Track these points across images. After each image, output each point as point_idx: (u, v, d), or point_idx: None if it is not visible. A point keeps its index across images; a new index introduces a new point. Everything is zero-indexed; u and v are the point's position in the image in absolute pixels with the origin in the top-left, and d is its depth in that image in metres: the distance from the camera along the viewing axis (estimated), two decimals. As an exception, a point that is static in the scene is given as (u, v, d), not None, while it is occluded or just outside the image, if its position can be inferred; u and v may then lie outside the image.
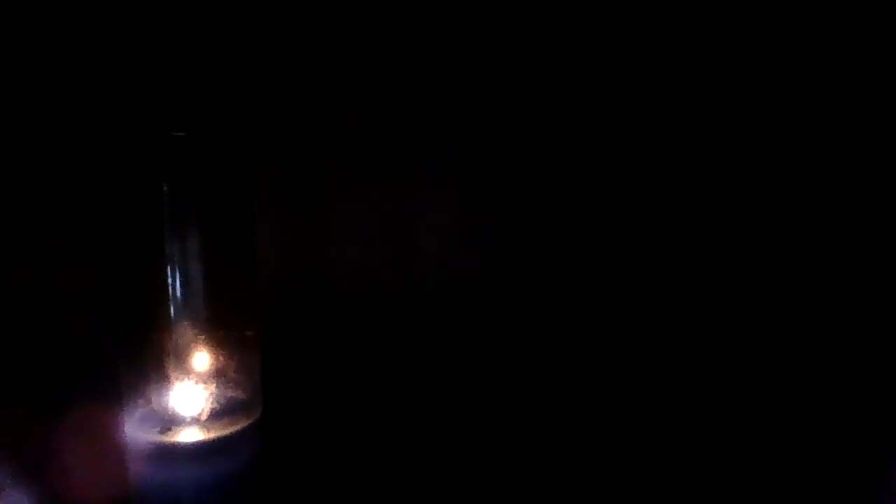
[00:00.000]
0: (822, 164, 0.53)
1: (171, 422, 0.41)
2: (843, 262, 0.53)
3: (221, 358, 0.43)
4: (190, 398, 0.42)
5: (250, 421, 0.42)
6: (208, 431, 0.40)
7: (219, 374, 0.43)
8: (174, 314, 0.41)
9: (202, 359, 0.43)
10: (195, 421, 0.41)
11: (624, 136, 0.56)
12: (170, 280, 0.41)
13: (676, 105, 0.55)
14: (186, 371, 0.42)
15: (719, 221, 0.55)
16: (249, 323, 0.44)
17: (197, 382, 0.42)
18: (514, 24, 0.56)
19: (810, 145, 0.53)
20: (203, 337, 0.42)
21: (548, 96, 0.57)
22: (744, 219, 0.55)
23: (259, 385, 0.44)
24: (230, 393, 0.43)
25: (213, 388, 0.43)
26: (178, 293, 0.41)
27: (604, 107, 0.56)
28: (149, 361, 0.42)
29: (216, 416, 0.42)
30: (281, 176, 0.54)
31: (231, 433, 0.40)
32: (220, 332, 0.43)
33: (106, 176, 0.40)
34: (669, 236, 0.56)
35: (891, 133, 0.51)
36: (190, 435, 0.40)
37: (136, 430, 0.40)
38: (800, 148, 0.53)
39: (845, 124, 0.52)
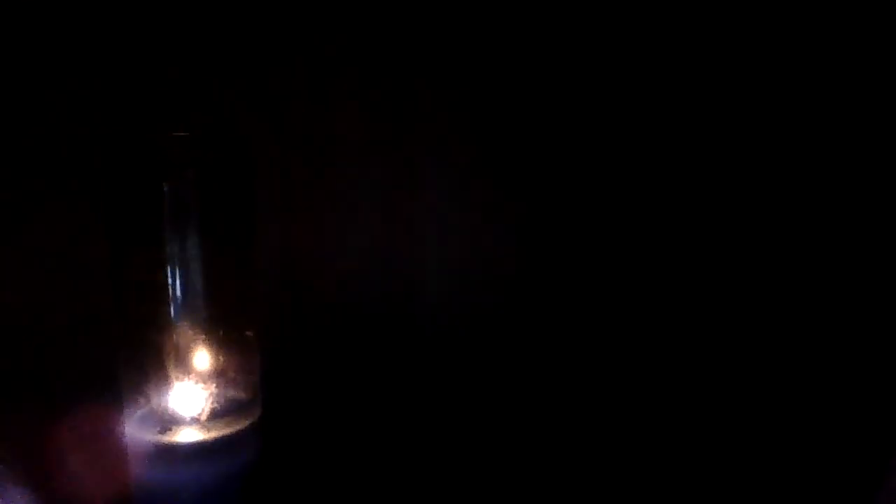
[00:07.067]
0: (824, 165, 0.52)
1: (171, 422, 0.41)
2: (843, 263, 0.53)
3: (221, 358, 0.43)
4: (190, 398, 0.42)
5: (250, 421, 0.42)
6: (208, 431, 0.40)
7: (219, 374, 0.43)
8: (174, 314, 0.41)
9: (202, 359, 0.43)
10: (195, 421, 0.41)
11: (632, 140, 0.56)
12: (170, 280, 0.41)
13: (686, 99, 0.55)
14: (186, 371, 0.42)
15: (718, 218, 0.55)
16: (249, 323, 0.44)
17: (197, 382, 0.42)
18: (522, 20, 0.56)
19: (814, 148, 0.53)
20: (203, 337, 0.42)
21: (554, 95, 0.57)
22: (746, 214, 0.55)
23: (259, 385, 0.44)
24: (230, 393, 0.43)
25: (213, 388, 0.43)
26: (178, 293, 0.41)
27: (608, 112, 0.56)
28: (149, 361, 0.42)
29: (216, 416, 0.42)
30: (281, 176, 0.54)
31: (231, 433, 0.40)
32: (220, 332, 0.43)
33: (106, 176, 0.40)
34: (677, 248, 0.56)
35: (890, 133, 0.51)
36: (190, 435, 0.40)
37: (136, 430, 0.40)
38: (809, 152, 0.53)
39: (845, 125, 0.52)
